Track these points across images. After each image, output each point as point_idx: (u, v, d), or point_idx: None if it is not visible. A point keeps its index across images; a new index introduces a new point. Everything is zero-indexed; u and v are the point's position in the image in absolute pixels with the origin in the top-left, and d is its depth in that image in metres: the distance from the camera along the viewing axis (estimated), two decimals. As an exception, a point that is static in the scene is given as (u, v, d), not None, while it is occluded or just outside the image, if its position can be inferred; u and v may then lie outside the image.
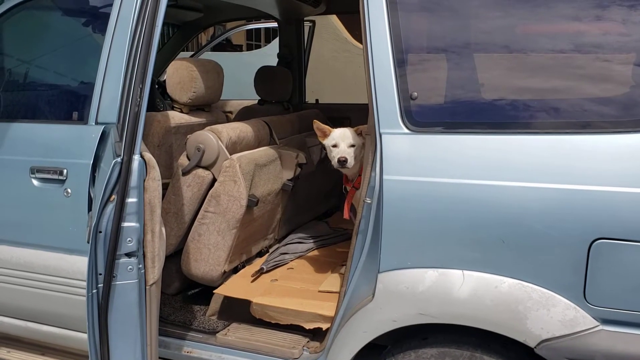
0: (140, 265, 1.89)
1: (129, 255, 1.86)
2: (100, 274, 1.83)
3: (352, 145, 2.49)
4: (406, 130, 1.92)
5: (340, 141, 2.50)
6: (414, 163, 1.91)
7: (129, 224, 1.86)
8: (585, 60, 1.87)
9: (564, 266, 1.75)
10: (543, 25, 1.92)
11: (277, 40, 4.30)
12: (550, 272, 1.77)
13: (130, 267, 1.87)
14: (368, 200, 1.99)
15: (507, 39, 1.96)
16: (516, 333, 1.81)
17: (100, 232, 1.83)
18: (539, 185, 1.77)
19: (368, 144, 2.12)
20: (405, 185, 1.90)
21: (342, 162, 2.44)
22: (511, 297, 1.80)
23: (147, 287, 1.95)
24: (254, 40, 10.11)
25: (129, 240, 1.85)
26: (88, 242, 1.86)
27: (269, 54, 5.82)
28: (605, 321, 1.75)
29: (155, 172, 1.99)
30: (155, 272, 1.96)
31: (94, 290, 1.83)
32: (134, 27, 2.12)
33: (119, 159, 1.86)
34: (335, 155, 2.48)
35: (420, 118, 1.93)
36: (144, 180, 1.93)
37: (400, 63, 1.94)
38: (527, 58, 1.94)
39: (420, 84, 1.96)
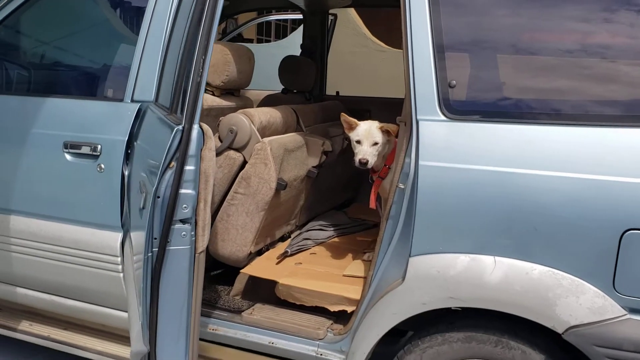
0: (193, 232, 1.93)
1: (183, 221, 1.89)
2: (156, 239, 1.86)
3: (375, 144, 2.45)
4: (443, 118, 1.96)
5: (364, 139, 2.45)
6: (451, 150, 1.94)
7: (186, 190, 1.89)
8: (620, 59, 1.92)
9: (595, 255, 1.79)
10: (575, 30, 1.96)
11: (294, 34, 4.32)
12: (580, 260, 1.81)
13: (184, 233, 1.90)
14: (401, 186, 2.03)
15: (546, 39, 2.00)
16: (545, 319, 1.85)
17: (159, 197, 1.86)
18: (572, 175, 1.81)
19: (402, 132, 2.16)
20: (441, 171, 1.94)
21: (363, 163, 2.42)
22: (541, 283, 1.84)
23: (196, 254, 1.99)
24: (264, 35, 10.15)
25: (185, 207, 1.89)
26: (142, 209, 1.89)
27: (285, 47, 5.85)
28: (633, 310, 1.78)
29: (211, 143, 2.02)
30: (204, 240, 1.99)
31: (149, 254, 1.86)
32: (177, 5, 2.16)
33: (180, 127, 1.89)
34: (357, 153, 2.46)
35: (458, 106, 1.97)
36: (201, 150, 1.97)
37: (440, 52, 1.98)
38: (567, 57, 1.98)
39: (459, 73, 2.00)
